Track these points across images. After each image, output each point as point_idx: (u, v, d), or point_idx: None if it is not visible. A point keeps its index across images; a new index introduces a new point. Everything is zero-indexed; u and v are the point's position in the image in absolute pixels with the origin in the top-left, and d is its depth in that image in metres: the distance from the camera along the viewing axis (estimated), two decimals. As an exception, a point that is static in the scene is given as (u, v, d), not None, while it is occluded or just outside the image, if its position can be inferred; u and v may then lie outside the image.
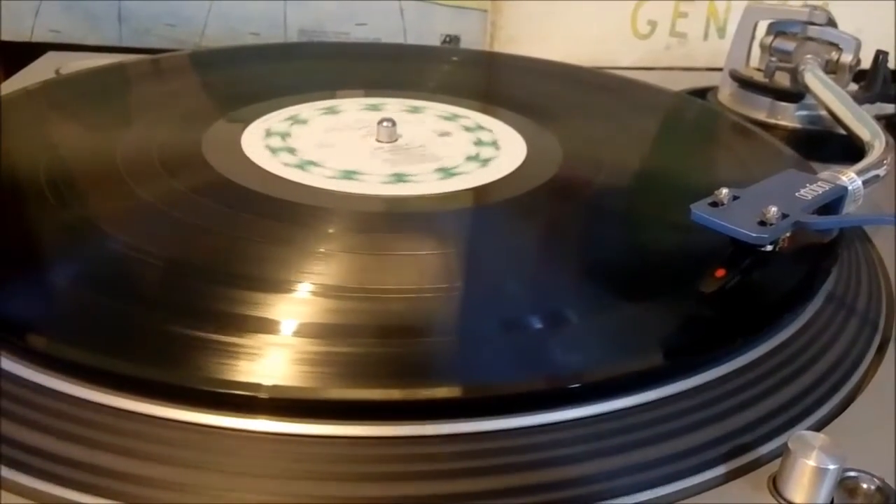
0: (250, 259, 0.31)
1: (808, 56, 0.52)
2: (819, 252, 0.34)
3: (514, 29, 0.70)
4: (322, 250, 0.32)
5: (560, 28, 0.71)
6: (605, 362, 0.27)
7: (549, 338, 0.28)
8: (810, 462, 0.23)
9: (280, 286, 0.29)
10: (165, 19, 0.70)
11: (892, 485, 0.24)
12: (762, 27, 0.56)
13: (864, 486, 0.24)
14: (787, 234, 0.31)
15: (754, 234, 0.29)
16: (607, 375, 0.26)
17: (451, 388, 0.26)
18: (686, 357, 0.27)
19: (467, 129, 0.46)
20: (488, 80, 0.60)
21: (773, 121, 0.53)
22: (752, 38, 0.56)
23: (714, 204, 0.31)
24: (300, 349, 0.26)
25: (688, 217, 0.31)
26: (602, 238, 0.36)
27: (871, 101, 0.51)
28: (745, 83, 0.55)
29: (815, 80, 0.49)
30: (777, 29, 0.55)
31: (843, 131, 0.46)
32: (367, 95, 0.50)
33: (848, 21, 0.54)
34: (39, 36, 0.70)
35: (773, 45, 0.54)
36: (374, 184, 0.38)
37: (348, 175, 0.38)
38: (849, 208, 0.35)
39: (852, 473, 0.24)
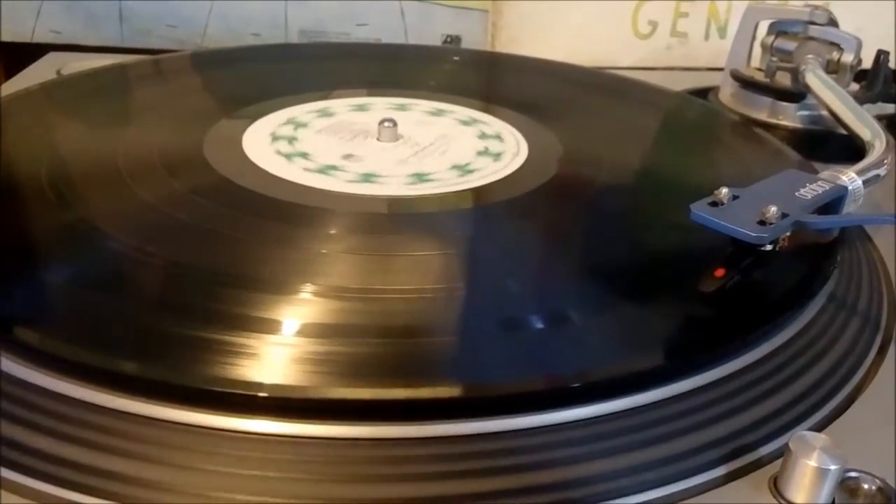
0: (251, 259, 0.31)
1: (809, 56, 0.51)
2: (819, 252, 0.34)
3: (515, 29, 0.70)
4: (324, 251, 0.32)
5: (561, 28, 0.71)
6: (606, 362, 0.27)
7: (550, 338, 0.28)
8: (811, 462, 0.23)
9: (281, 286, 0.30)
10: (166, 20, 0.70)
11: (893, 485, 0.24)
12: (763, 27, 0.56)
13: (866, 486, 0.24)
14: (787, 234, 0.31)
15: (754, 234, 0.29)
16: (608, 376, 0.26)
17: (452, 388, 0.26)
18: (686, 357, 0.27)
19: (482, 133, 0.46)
20: (489, 81, 0.60)
21: (774, 121, 0.53)
22: (753, 37, 0.56)
23: (714, 203, 0.31)
24: (301, 349, 0.26)
25: (688, 217, 0.31)
26: (602, 238, 0.36)
27: (872, 101, 0.51)
28: (746, 83, 0.55)
29: (816, 79, 0.49)
30: (778, 29, 0.55)
31: (844, 131, 0.46)
32: (368, 95, 0.50)
33: (849, 21, 0.54)
34: (40, 37, 0.70)
35: (774, 44, 0.54)
36: (342, 182, 0.38)
37: (326, 170, 0.39)
38: (849, 208, 0.35)
39: (853, 474, 0.24)
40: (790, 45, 0.53)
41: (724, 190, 0.31)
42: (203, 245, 0.32)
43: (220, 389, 0.24)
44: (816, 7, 0.53)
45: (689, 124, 0.53)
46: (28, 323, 0.27)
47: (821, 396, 0.28)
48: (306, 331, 0.27)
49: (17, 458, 0.23)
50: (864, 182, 0.35)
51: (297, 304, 0.29)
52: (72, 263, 0.31)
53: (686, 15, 0.71)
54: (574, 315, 0.30)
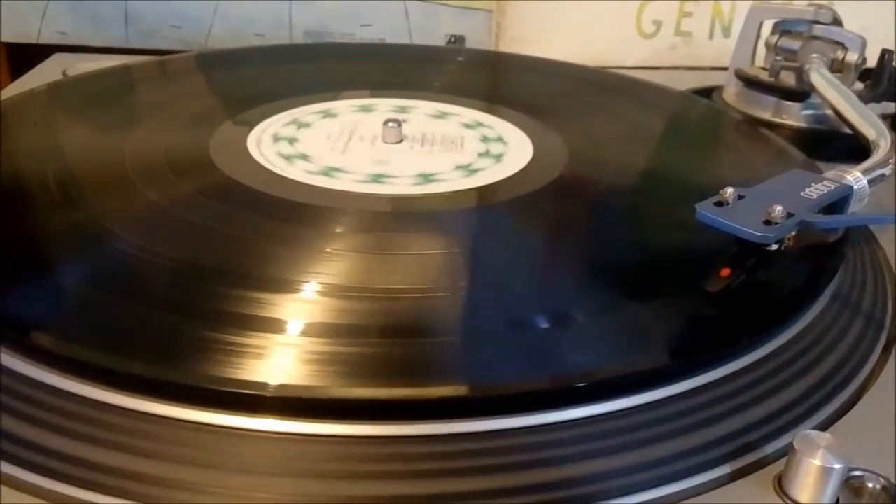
0: (257, 259, 0.31)
1: (814, 55, 0.51)
2: (825, 251, 0.34)
3: (519, 29, 0.71)
4: (329, 250, 0.32)
5: (565, 28, 0.71)
6: (611, 361, 0.27)
7: (554, 337, 0.28)
8: (816, 461, 0.23)
9: (287, 286, 0.30)
10: (171, 21, 0.70)
11: (898, 484, 0.24)
12: (767, 26, 0.56)
13: (870, 485, 0.24)
14: (793, 234, 0.31)
15: (759, 234, 0.29)
16: (612, 375, 0.26)
17: (457, 387, 0.26)
18: (691, 356, 0.27)
19: (483, 136, 0.46)
20: (493, 80, 0.60)
21: (778, 120, 0.53)
22: (758, 37, 0.56)
23: (719, 203, 0.31)
24: (307, 348, 0.26)
25: (693, 216, 0.31)
26: (607, 237, 0.36)
27: (877, 100, 0.51)
28: (751, 82, 0.55)
29: (821, 79, 0.49)
30: (782, 28, 0.55)
31: (848, 130, 0.46)
32: (372, 96, 0.50)
33: (853, 20, 0.54)
34: (46, 38, 0.70)
35: (779, 44, 0.54)
36: (349, 182, 0.38)
37: (329, 172, 0.39)
38: (854, 207, 0.35)
39: (858, 473, 0.24)
40: (794, 44, 0.53)
41: (730, 190, 0.31)
42: (210, 245, 0.32)
43: (226, 389, 0.24)
44: (821, 6, 0.53)
45: (693, 124, 0.53)
46: (37, 323, 0.28)
47: (825, 395, 0.28)
48: (312, 330, 0.27)
49: (25, 455, 0.24)
50: (870, 181, 0.35)
51: (304, 304, 0.29)
52: (78, 262, 0.31)
53: (690, 14, 0.71)
54: (578, 314, 0.30)
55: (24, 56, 0.65)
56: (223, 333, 0.26)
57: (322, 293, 0.29)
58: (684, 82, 0.60)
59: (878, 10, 0.67)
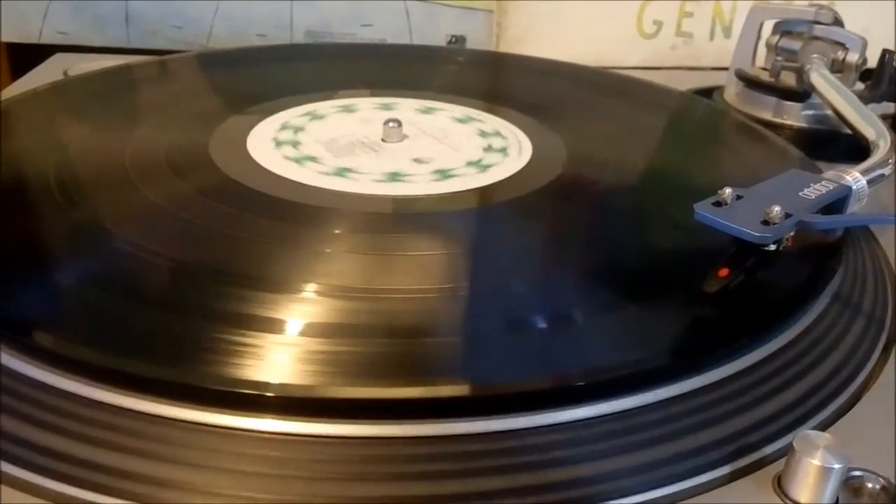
0: (257, 259, 0.31)
1: (814, 55, 0.51)
2: (824, 252, 0.34)
3: (520, 29, 0.71)
4: (328, 250, 0.32)
5: (566, 28, 0.71)
6: (610, 362, 0.27)
7: (553, 337, 0.28)
8: (815, 462, 0.23)
9: (287, 286, 0.30)
10: (172, 21, 0.70)
11: (897, 484, 0.24)
12: (768, 26, 0.56)
13: (869, 485, 0.24)
14: (791, 234, 0.31)
15: (757, 234, 0.29)
16: (612, 375, 0.26)
17: (457, 387, 0.26)
18: (690, 357, 0.27)
19: (481, 132, 0.46)
20: (494, 81, 0.60)
21: (778, 120, 0.53)
22: (758, 37, 0.56)
23: (717, 203, 0.31)
24: (307, 348, 0.26)
25: (691, 216, 0.31)
26: (606, 238, 0.36)
27: (878, 101, 0.51)
28: (751, 83, 0.55)
29: (821, 79, 0.49)
30: (783, 28, 0.55)
31: (848, 131, 0.46)
32: (372, 95, 0.50)
33: (854, 20, 0.54)
34: (47, 38, 0.70)
35: (779, 44, 0.54)
36: (367, 182, 0.38)
37: (342, 173, 0.39)
38: (853, 208, 0.35)
39: (857, 473, 0.24)
40: (795, 44, 0.53)
41: (728, 190, 0.31)
42: (210, 245, 0.32)
43: (226, 389, 0.24)
44: (821, 7, 0.53)
45: (693, 124, 0.53)
46: (37, 323, 0.28)
47: (825, 396, 0.28)
48: (313, 330, 0.27)
49: (27, 456, 0.24)
50: (869, 182, 0.35)
51: (304, 304, 0.29)
52: (78, 262, 0.32)
53: (691, 15, 0.71)
54: (578, 314, 0.30)
55: (26, 56, 0.65)
56: (224, 333, 0.26)
57: (322, 293, 0.29)
58: (685, 82, 0.60)
59: (878, 11, 0.67)
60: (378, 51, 0.66)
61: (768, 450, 0.26)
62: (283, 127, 0.44)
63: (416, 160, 0.41)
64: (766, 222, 0.30)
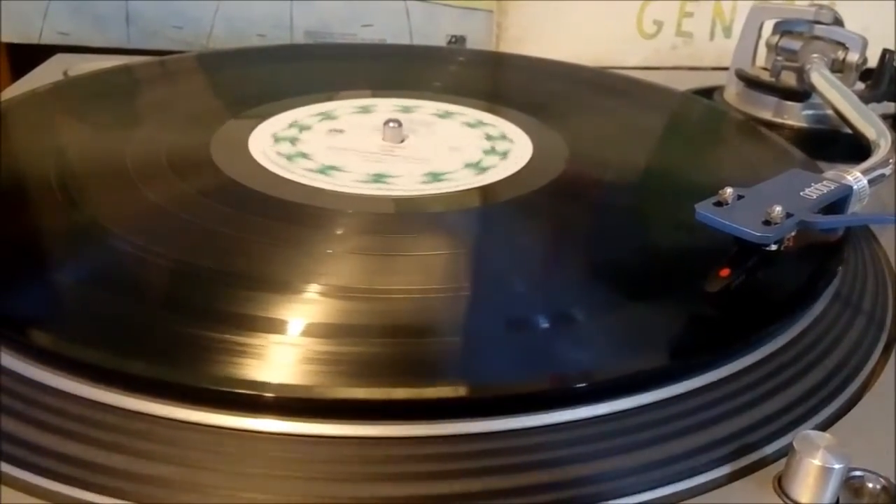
0: (257, 259, 0.31)
1: (815, 55, 0.51)
2: (825, 251, 0.34)
3: (520, 29, 0.71)
4: (329, 251, 0.32)
5: (566, 28, 0.71)
6: (611, 362, 0.27)
7: (554, 338, 0.28)
8: (816, 462, 0.23)
9: (287, 286, 0.30)
10: (172, 21, 0.70)
11: (898, 484, 0.24)
12: (768, 26, 0.56)
13: (870, 485, 0.24)
14: (792, 234, 0.31)
15: (758, 234, 0.29)
16: (612, 375, 0.26)
17: (457, 388, 0.26)
18: (691, 357, 0.27)
19: (487, 135, 0.46)
20: (494, 81, 0.60)
21: (779, 120, 0.53)
22: (758, 37, 0.56)
23: (719, 203, 0.31)
24: (307, 349, 0.26)
25: (693, 216, 0.31)
26: (607, 238, 0.36)
27: (878, 100, 0.51)
28: (752, 82, 0.55)
29: (822, 79, 0.49)
30: (783, 28, 0.55)
31: (849, 130, 0.46)
32: (373, 96, 0.50)
33: (854, 20, 0.54)
34: (48, 38, 0.70)
35: (780, 44, 0.54)
36: (350, 182, 0.38)
37: (326, 171, 0.39)
38: (854, 207, 0.35)
39: (858, 473, 0.24)
40: (795, 44, 0.53)
41: (729, 190, 0.31)
42: (210, 245, 0.32)
43: (226, 389, 0.24)
44: (822, 6, 0.53)
45: (694, 124, 0.53)
46: (37, 323, 0.28)
47: (825, 395, 0.28)
48: (313, 331, 0.27)
49: (25, 456, 0.24)
50: (870, 181, 0.35)
51: (304, 305, 0.29)
52: (78, 262, 0.32)
53: (691, 15, 0.71)
54: (578, 315, 0.30)
55: (26, 56, 0.65)
56: (223, 333, 0.26)
57: (322, 293, 0.29)
58: (685, 82, 0.60)
59: (878, 10, 0.67)
60: (379, 51, 0.66)
61: (769, 450, 0.26)
62: (279, 130, 0.44)
63: (411, 161, 0.41)
64: (767, 222, 0.30)
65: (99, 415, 0.24)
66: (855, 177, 0.35)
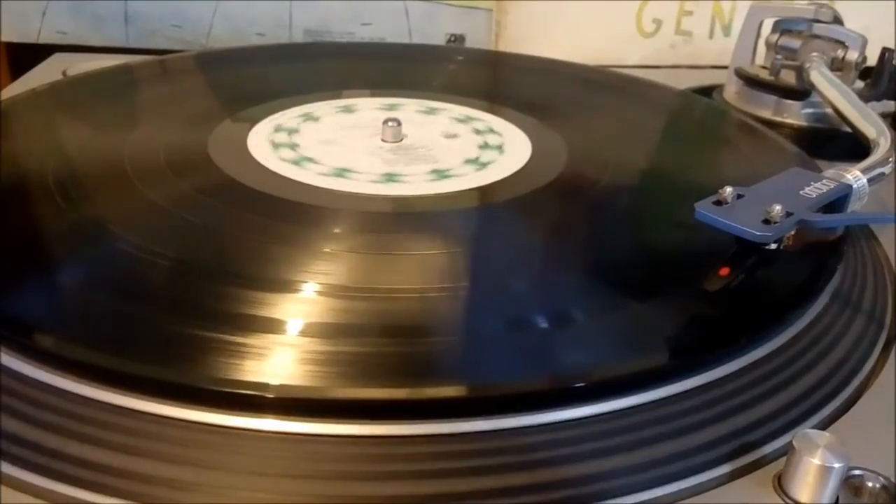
0: (257, 259, 0.31)
1: (814, 54, 0.51)
2: (824, 250, 0.34)
3: (520, 28, 0.71)
4: (328, 250, 0.32)
5: (565, 27, 0.71)
6: (610, 361, 0.27)
7: (553, 337, 0.28)
8: (815, 461, 0.23)
9: (287, 286, 0.30)
10: (171, 20, 0.70)
11: (897, 483, 0.24)
12: (767, 25, 0.56)
13: (870, 484, 0.24)
14: (792, 233, 0.31)
15: (758, 233, 0.29)
16: (612, 374, 0.26)
17: (456, 387, 0.26)
18: (690, 355, 0.27)
19: (475, 129, 0.46)
20: (493, 80, 0.60)
21: (778, 119, 0.53)
22: (758, 35, 0.56)
23: (718, 202, 0.31)
24: (307, 349, 0.26)
25: (692, 216, 0.31)
26: (606, 237, 0.36)
27: (878, 99, 0.51)
28: (751, 81, 0.55)
29: (821, 77, 0.49)
30: (783, 27, 0.55)
31: (848, 129, 0.46)
32: (372, 95, 0.50)
33: (854, 18, 0.54)
34: (46, 37, 0.70)
35: (779, 42, 0.54)
36: (364, 182, 0.38)
37: (341, 173, 0.39)
38: (854, 206, 0.35)
39: (857, 472, 0.24)
40: (795, 43, 0.53)
41: (729, 189, 0.31)
42: (210, 245, 0.32)
43: (226, 389, 0.24)
44: (821, 5, 0.53)
45: (693, 123, 0.53)
46: (37, 324, 0.28)
47: (825, 394, 0.28)
48: (313, 331, 0.27)
49: (26, 455, 0.24)
50: (869, 180, 0.35)
51: (304, 304, 0.29)
52: (77, 262, 0.32)
53: (690, 13, 0.71)
54: (578, 314, 0.30)
55: (25, 56, 0.65)
56: (223, 333, 0.26)
57: (322, 293, 0.29)
58: (684, 81, 0.60)
59: (878, 9, 0.67)
60: (377, 50, 0.66)
61: (768, 449, 0.26)
62: (278, 129, 0.44)
63: (414, 159, 0.41)
64: (766, 221, 0.30)
65: (99, 414, 0.24)
66: (854, 175, 0.35)
